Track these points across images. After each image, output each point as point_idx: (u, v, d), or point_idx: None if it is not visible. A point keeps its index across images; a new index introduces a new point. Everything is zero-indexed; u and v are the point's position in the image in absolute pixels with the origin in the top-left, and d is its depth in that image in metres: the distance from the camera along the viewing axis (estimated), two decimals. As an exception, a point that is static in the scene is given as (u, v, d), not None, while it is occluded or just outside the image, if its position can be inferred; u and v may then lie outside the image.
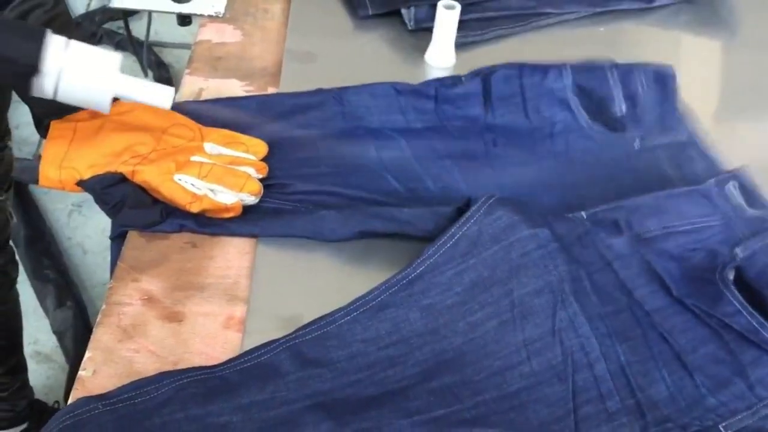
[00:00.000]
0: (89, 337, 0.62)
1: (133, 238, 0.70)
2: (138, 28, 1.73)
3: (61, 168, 0.69)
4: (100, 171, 0.69)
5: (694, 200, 0.70)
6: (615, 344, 0.61)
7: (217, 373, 0.58)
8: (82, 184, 0.69)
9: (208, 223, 0.70)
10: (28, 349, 1.34)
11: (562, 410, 0.58)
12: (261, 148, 0.75)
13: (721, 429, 0.57)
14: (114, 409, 0.55)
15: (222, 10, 0.87)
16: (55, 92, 0.63)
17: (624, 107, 0.81)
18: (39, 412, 1.30)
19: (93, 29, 2.11)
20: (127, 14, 0.74)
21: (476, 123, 0.80)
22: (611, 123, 0.81)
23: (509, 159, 0.78)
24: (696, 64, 0.96)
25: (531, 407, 0.58)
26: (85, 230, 1.74)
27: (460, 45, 0.91)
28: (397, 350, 0.60)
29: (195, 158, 0.72)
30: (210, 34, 0.95)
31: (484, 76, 0.82)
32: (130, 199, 0.69)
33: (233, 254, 0.69)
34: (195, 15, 0.87)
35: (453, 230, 0.65)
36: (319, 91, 0.82)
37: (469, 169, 0.77)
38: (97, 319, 0.63)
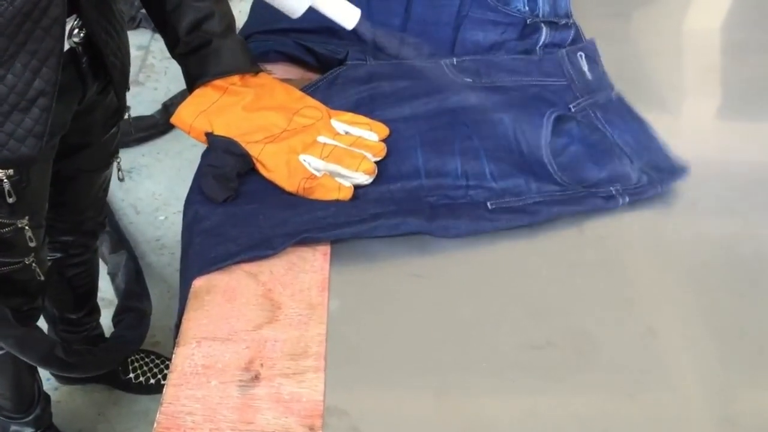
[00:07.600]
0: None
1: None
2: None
3: (197, 116, 0.75)
4: (231, 136, 0.74)
5: (546, 64, 0.88)
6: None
7: None
8: (211, 137, 0.74)
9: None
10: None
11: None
12: (383, 129, 0.79)
13: (488, 205, 0.71)
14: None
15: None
16: None
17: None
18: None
19: (132, 13, 2.21)
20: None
21: None
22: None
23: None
24: None
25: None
26: (137, 193, 1.82)
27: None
28: None
29: (321, 138, 0.76)
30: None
31: None
32: (227, 170, 0.72)
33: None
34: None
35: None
36: None
37: None
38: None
